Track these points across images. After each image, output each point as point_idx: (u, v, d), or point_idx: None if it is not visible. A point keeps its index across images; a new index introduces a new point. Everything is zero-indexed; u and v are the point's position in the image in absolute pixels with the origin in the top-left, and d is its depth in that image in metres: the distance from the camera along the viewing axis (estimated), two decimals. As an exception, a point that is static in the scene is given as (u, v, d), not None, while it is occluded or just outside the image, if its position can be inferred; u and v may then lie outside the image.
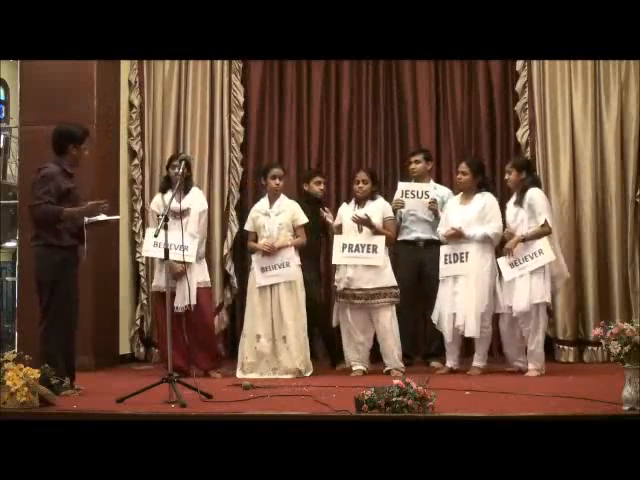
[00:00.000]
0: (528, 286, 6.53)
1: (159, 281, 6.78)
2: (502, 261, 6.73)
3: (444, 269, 6.89)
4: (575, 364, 7.46)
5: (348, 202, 7.13)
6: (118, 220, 6.79)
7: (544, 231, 6.61)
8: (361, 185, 6.94)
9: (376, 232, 6.80)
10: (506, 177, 6.85)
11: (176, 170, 6.03)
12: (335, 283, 6.99)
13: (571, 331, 7.60)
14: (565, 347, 7.62)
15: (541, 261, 6.54)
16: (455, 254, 6.83)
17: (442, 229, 6.98)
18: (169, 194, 6.78)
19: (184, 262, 6.55)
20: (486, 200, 6.92)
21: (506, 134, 8.11)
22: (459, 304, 6.77)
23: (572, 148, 7.70)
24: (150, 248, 6.62)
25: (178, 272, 6.64)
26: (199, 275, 6.84)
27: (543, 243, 6.56)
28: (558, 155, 7.71)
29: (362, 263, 6.76)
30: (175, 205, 6.57)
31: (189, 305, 6.64)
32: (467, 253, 6.79)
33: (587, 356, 7.58)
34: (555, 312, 7.63)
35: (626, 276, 7.56)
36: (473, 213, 6.85)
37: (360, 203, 6.95)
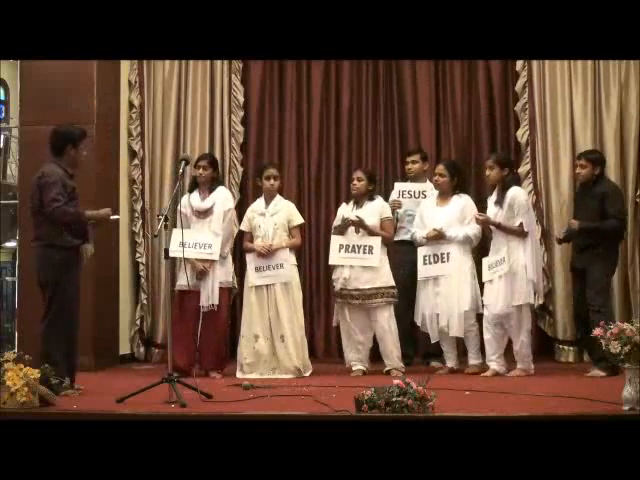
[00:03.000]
0: (505, 288, 6.53)
1: (181, 280, 6.82)
2: (485, 261, 6.75)
3: (423, 270, 6.90)
4: (575, 364, 7.46)
5: (348, 202, 7.13)
6: (118, 220, 6.80)
7: (518, 230, 6.58)
8: (355, 182, 6.95)
9: (371, 233, 6.81)
10: (487, 173, 6.77)
11: (180, 171, 6.06)
12: (333, 283, 7.00)
13: (571, 331, 7.60)
14: (565, 347, 7.64)
15: (502, 270, 6.54)
16: (435, 255, 6.85)
17: (419, 231, 6.98)
18: (195, 194, 6.95)
19: (183, 259, 6.55)
20: (465, 202, 6.95)
21: (506, 134, 8.11)
22: (442, 304, 6.79)
23: (572, 148, 7.70)
24: (176, 248, 6.46)
25: (200, 271, 6.71)
26: (221, 275, 6.87)
27: (506, 253, 6.53)
28: (558, 155, 7.72)
29: (358, 264, 6.78)
30: (198, 204, 6.82)
31: (213, 305, 6.74)
32: (448, 253, 6.81)
33: (587, 356, 7.56)
34: (555, 312, 7.64)
35: (626, 276, 7.56)
36: (453, 214, 6.88)
37: (358, 203, 6.96)
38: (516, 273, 6.51)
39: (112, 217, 6.20)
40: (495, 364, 6.67)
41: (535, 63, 7.79)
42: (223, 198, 6.99)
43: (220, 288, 6.83)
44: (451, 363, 6.97)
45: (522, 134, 7.83)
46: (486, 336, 6.70)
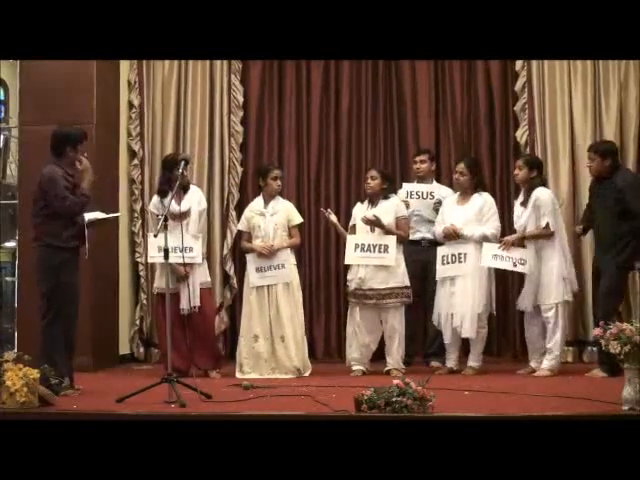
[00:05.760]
0: (555, 282, 6.60)
1: (161, 282, 6.79)
2: (487, 247, 6.75)
3: (441, 270, 6.90)
4: (575, 364, 7.46)
5: (362, 201, 7.10)
6: (118, 217, 6.77)
7: (544, 233, 6.65)
8: (369, 181, 6.94)
9: (387, 232, 6.80)
10: (515, 172, 6.84)
11: (179, 171, 6.07)
12: (347, 283, 6.99)
13: (570, 331, 7.59)
14: (565, 347, 7.61)
15: (521, 269, 6.64)
16: (453, 255, 6.85)
17: (438, 228, 7.00)
18: (168, 196, 6.79)
19: (184, 264, 6.55)
20: (485, 200, 6.94)
21: (505, 134, 8.10)
22: (456, 305, 6.79)
23: (571, 148, 7.71)
24: (155, 254, 6.44)
25: (183, 275, 6.66)
26: (201, 276, 6.86)
27: (527, 254, 6.63)
28: (557, 155, 7.72)
29: (374, 263, 6.75)
30: (175, 207, 6.58)
31: (194, 307, 6.72)
32: (465, 254, 6.80)
33: (587, 356, 7.58)
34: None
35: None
36: (471, 213, 6.87)
37: (373, 202, 6.94)
38: (545, 272, 6.60)
39: (112, 215, 6.19)
40: (533, 363, 6.76)
41: (534, 63, 7.79)
42: (198, 199, 6.96)
43: (201, 289, 6.82)
44: (451, 363, 6.96)
45: (521, 134, 7.83)
46: (526, 335, 6.88)
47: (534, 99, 7.80)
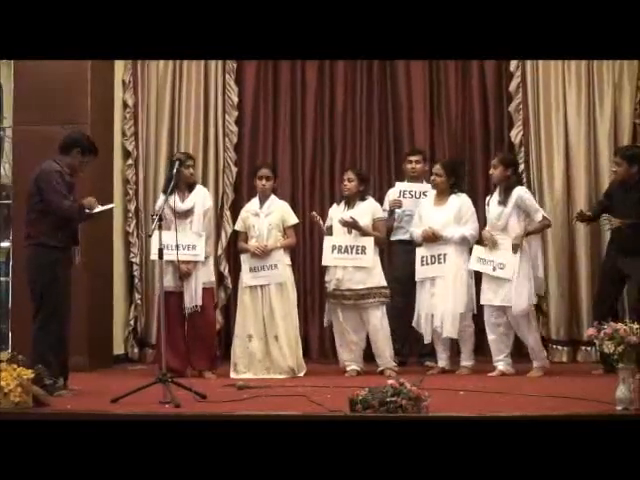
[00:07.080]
0: (528, 287, 6.56)
1: (164, 281, 6.78)
2: (476, 250, 6.75)
3: (420, 271, 6.90)
4: (569, 364, 7.47)
5: (339, 203, 7.13)
6: (112, 209, 6.75)
7: (545, 224, 6.69)
8: (346, 183, 6.96)
9: (364, 234, 6.81)
10: (490, 172, 6.84)
11: (174, 171, 6.06)
12: (325, 284, 7.00)
13: (565, 331, 7.61)
14: (559, 347, 7.63)
15: (501, 274, 6.56)
16: (432, 255, 6.85)
17: (417, 230, 6.99)
18: (176, 194, 6.77)
19: (179, 261, 6.53)
20: (462, 201, 6.95)
21: (500, 134, 8.10)
22: (437, 305, 6.79)
23: (566, 148, 7.71)
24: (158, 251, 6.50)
25: (184, 272, 6.68)
26: (204, 275, 6.85)
27: (509, 259, 6.55)
28: (552, 155, 7.73)
29: (351, 264, 6.78)
30: (178, 205, 6.68)
31: (196, 306, 6.70)
32: (445, 255, 6.81)
33: (581, 356, 7.59)
34: (549, 312, 7.64)
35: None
36: (450, 214, 6.87)
37: (350, 204, 6.96)
38: (521, 273, 6.54)
39: (108, 206, 6.18)
40: (502, 364, 6.69)
41: (529, 63, 7.79)
42: (202, 197, 6.95)
43: (203, 289, 6.81)
44: (443, 363, 6.97)
45: (516, 134, 7.83)
46: (490, 336, 6.75)
47: (528, 99, 7.81)
